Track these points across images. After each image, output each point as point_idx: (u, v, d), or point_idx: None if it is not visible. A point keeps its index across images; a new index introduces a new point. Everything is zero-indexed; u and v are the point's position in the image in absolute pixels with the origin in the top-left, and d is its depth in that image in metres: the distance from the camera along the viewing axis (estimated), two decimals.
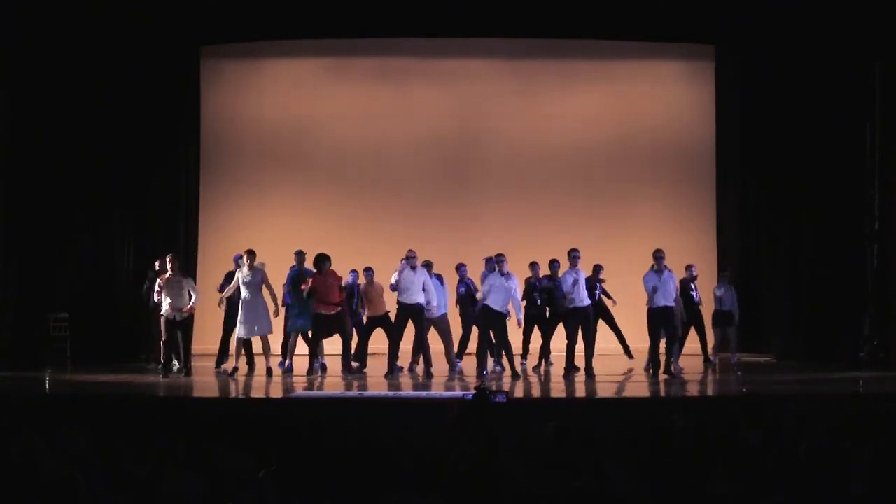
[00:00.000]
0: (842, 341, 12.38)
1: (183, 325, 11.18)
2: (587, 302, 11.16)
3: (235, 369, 11.23)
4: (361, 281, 11.92)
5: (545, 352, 12.01)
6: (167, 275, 11.05)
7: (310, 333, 11.53)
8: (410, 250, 11.26)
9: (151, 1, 12.79)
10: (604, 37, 14.12)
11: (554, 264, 11.73)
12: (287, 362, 11.61)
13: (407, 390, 10.07)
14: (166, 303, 11.03)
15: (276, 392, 10.27)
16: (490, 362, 11.65)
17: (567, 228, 13.88)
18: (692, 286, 12.10)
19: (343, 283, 11.59)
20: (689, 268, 12.17)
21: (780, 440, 5.35)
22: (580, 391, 10.14)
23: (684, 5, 13.09)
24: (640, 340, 11.79)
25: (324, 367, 11.64)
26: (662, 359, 11.21)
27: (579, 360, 11.17)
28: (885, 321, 12.22)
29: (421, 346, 11.35)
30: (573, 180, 14.59)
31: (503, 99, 14.71)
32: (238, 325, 11.26)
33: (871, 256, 12.67)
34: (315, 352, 11.40)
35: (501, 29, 13.84)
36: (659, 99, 14.70)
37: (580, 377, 10.90)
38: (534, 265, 12.07)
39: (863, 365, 11.97)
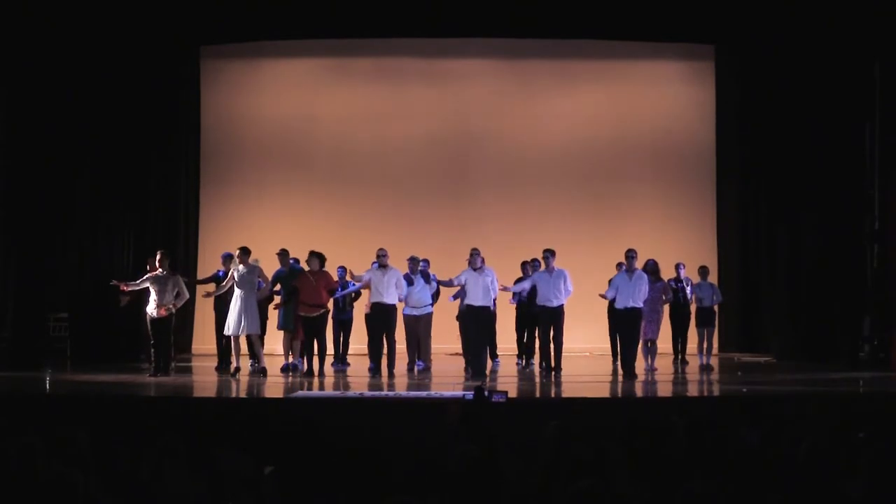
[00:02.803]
0: (842, 341, 12.38)
1: (162, 324, 11.01)
2: (556, 303, 11.04)
3: (237, 369, 11.17)
4: (349, 278, 11.89)
5: (531, 351, 12.04)
6: (157, 271, 11.01)
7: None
8: (380, 249, 11.21)
9: (151, 1, 12.79)
10: (603, 37, 14.14)
11: (535, 263, 11.83)
12: (298, 362, 11.58)
13: (407, 390, 10.06)
14: (151, 299, 10.98)
15: (276, 392, 10.25)
16: (490, 363, 11.69)
17: (566, 228, 13.91)
18: (682, 285, 12.09)
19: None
20: (677, 266, 12.16)
21: (780, 440, 5.35)
22: (580, 391, 10.13)
23: (684, 5, 13.10)
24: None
25: (295, 367, 11.51)
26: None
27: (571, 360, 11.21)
28: (885, 321, 12.21)
29: (384, 345, 11.25)
30: (573, 180, 14.59)
31: (503, 99, 14.71)
32: (228, 321, 11.11)
33: (871, 256, 12.66)
34: (304, 352, 11.35)
35: (501, 29, 13.85)
36: (659, 99, 14.71)
37: (578, 377, 10.89)
38: (525, 264, 12.13)
39: (863, 365, 11.96)
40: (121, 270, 13.15)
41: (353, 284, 11.78)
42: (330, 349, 11.80)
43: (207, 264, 13.82)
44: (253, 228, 13.93)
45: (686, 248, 13.43)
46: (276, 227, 13.97)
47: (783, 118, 13.18)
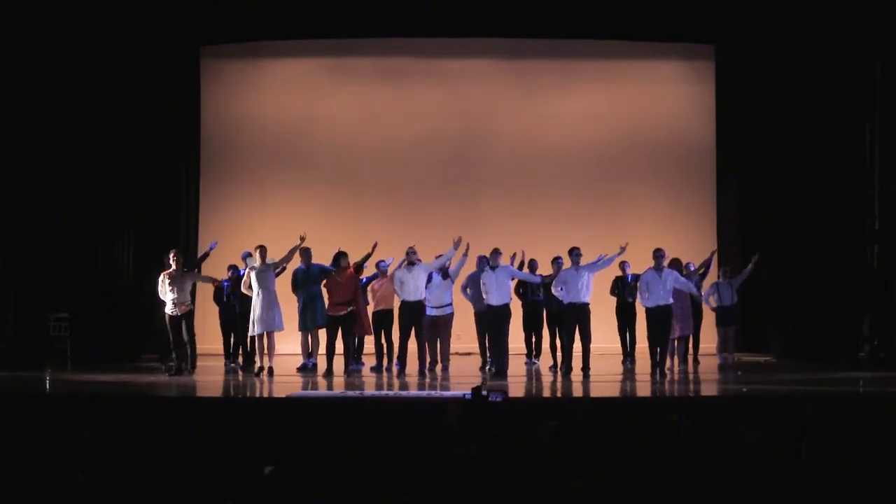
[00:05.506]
0: (842, 341, 12.37)
1: (184, 321, 11.12)
2: (582, 299, 11.11)
3: (261, 369, 11.21)
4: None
5: (541, 350, 12.08)
6: (170, 270, 11.07)
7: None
8: (409, 247, 11.37)
9: (151, 1, 12.79)
10: (604, 37, 14.13)
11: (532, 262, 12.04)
12: (310, 361, 11.61)
13: (407, 390, 10.07)
14: (169, 299, 11.04)
15: (276, 392, 10.25)
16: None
17: (567, 227, 13.88)
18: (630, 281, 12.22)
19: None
20: (622, 265, 12.25)
21: (780, 440, 5.35)
22: (580, 391, 10.13)
23: (684, 5, 13.10)
24: (640, 340, 11.85)
25: (315, 367, 11.58)
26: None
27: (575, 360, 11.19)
28: (885, 321, 12.21)
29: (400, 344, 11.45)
30: (573, 180, 14.60)
31: (503, 99, 14.72)
32: (253, 321, 11.20)
33: (871, 256, 12.66)
34: (330, 351, 11.38)
35: (501, 29, 13.84)
36: (659, 99, 14.71)
37: (578, 376, 10.88)
38: (532, 262, 12.16)
39: (863, 365, 11.96)
40: (121, 270, 13.20)
41: (385, 263, 11.94)
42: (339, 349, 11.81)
43: (207, 264, 13.74)
44: (253, 228, 13.92)
45: (686, 247, 13.38)
46: (277, 227, 13.93)
47: (783, 118, 13.17)
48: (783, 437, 5.42)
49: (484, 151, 14.66)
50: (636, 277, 12.02)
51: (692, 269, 12.27)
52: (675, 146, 14.60)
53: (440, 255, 11.57)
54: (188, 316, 11.16)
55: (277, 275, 11.49)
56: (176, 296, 11.01)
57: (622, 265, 12.29)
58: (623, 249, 11.16)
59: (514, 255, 11.99)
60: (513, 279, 11.52)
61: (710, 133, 14.60)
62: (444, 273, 11.49)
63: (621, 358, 12.36)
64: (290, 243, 11.70)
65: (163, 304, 11.24)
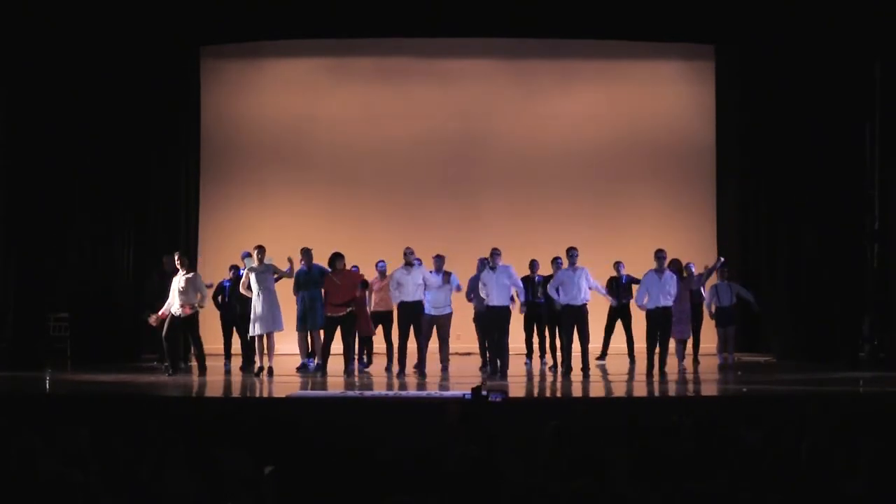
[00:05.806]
0: (842, 341, 12.37)
1: (186, 324, 11.18)
2: (580, 301, 11.13)
3: (261, 369, 11.22)
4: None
5: (544, 350, 12.10)
6: (183, 272, 11.13)
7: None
8: (407, 248, 11.36)
9: (151, 1, 12.79)
10: (604, 37, 14.13)
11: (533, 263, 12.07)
12: (309, 361, 11.62)
13: (407, 390, 10.07)
14: (176, 298, 11.07)
15: (276, 392, 10.26)
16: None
17: (567, 227, 13.89)
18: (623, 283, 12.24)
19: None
20: (616, 265, 12.32)
21: (780, 440, 5.35)
22: (580, 391, 10.13)
23: (684, 5, 13.10)
24: (638, 340, 11.85)
25: (317, 367, 11.59)
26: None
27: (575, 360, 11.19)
28: (885, 321, 12.21)
29: (399, 345, 11.41)
30: (573, 180, 14.60)
31: (503, 99, 14.72)
32: (254, 321, 11.22)
33: (871, 256, 12.66)
34: (326, 352, 11.38)
35: (501, 29, 13.84)
36: (659, 99, 14.71)
37: (578, 376, 10.88)
38: (532, 262, 12.18)
39: (863, 365, 11.96)
40: (121, 270, 13.19)
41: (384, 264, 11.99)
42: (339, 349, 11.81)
43: (207, 264, 13.80)
44: (253, 228, 13.92)
45: (686, 247, 13.39)
46: (277, 227, 13.97)
47: (783, 118, 13.16)
48: (783, 437, 5.42)
49: (484, 151, 14.66)
50: (630, 278, 12.04)
51: (692, 269, 12.28)
52: (675, 146, 14.61)
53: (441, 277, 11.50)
54: (192, 317, 11.19)
55: (276, 280, 11.46)
56: (184, 296, 11.06)
57: (617, 266, 12.30)
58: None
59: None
60: (512, 288, 11.43)
61: (710, 133, 14.61)
62: (447, 278, 11.50)
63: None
64: (290, 243, 11.73)
65: (160, 304, 11.26)
